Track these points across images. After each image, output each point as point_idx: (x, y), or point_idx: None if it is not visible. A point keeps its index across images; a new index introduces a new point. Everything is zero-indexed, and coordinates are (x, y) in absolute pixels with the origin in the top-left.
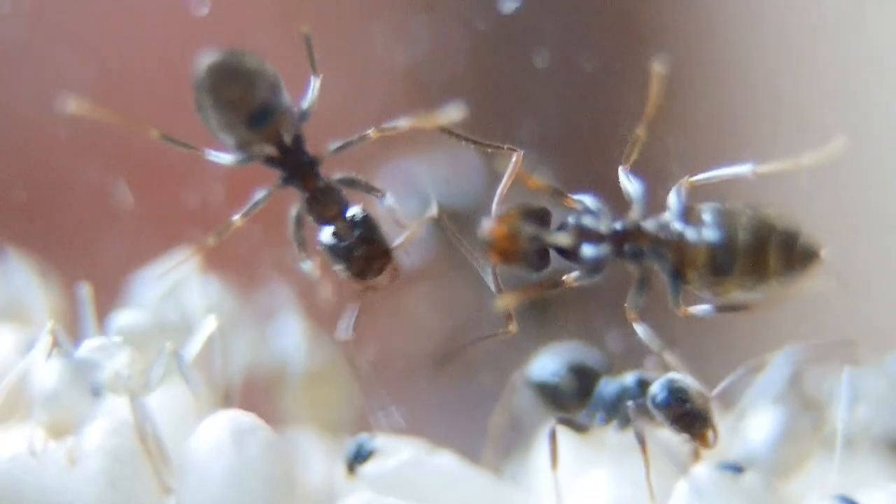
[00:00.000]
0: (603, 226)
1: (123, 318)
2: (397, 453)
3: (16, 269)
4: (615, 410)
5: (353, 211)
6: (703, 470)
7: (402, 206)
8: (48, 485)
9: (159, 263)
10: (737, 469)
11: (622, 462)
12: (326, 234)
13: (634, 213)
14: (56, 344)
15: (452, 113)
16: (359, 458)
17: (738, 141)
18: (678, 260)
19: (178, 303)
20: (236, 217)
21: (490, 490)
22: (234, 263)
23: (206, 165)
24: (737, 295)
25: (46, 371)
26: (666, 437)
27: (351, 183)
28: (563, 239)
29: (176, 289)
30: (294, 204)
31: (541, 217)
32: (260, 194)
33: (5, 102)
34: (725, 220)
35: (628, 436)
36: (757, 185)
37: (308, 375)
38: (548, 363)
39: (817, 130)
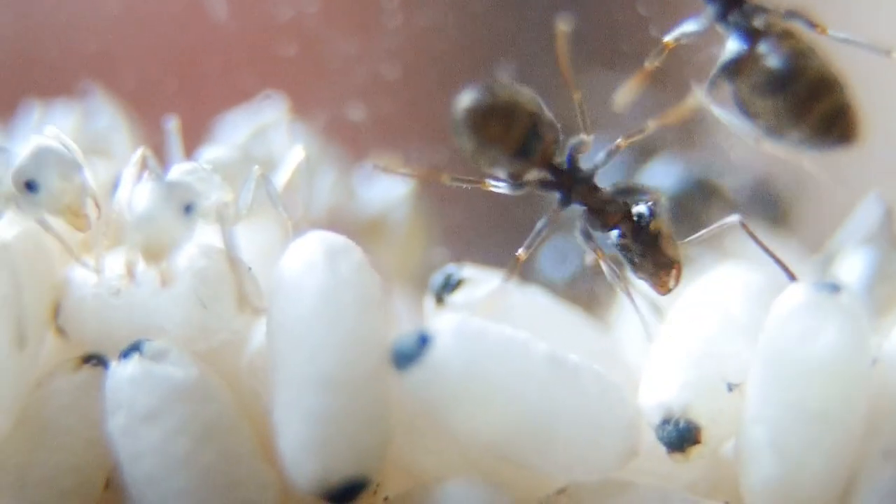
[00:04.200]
0: None
1: (212, 152)
2: (486, 283)
3: (101, 107)
4: None
5: (639, 210)
6: (799, 288)
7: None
8: (138, 308)
9: (247, 106)
10: (834, 288)
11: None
12: (613, 237)
13: None
14: (147, 169)
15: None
16: (447, 287)
17: None
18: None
19: (265, 144)
20: (520, 251)
21: (576, 321)
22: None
23: None
24: (765, 124)
25: (139, 193)
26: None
27: (626, 190)
28: None
29: (263, 131)
30: (576, 222)
31: None
32: (541, 223)
33: None
34: (797, 56)
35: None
36: None
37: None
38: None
39: None
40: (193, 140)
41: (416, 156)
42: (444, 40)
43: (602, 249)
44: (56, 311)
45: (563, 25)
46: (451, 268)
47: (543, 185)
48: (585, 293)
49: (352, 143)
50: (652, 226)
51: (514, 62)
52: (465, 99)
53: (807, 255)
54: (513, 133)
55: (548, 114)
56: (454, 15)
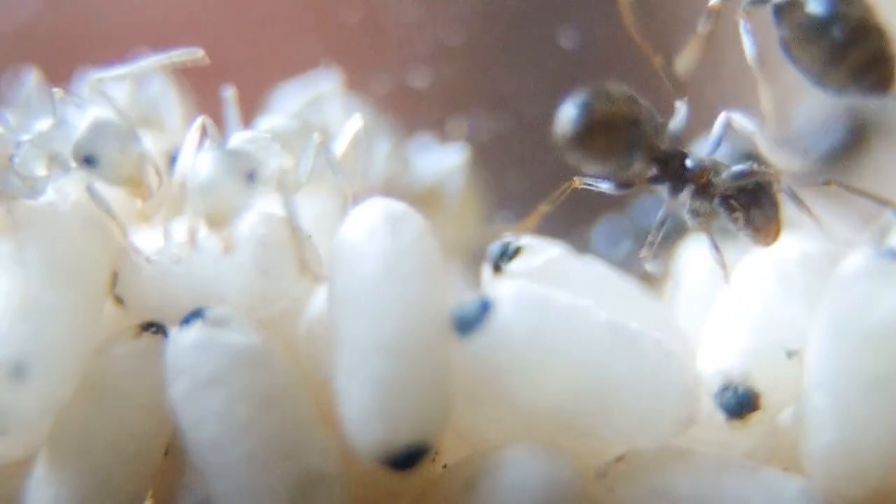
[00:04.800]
0: None
1: (270, 121)
2: (544, 251)
3: (153, 77)
4: None
5: (747, 175)
6: (860, 255)
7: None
8: (197, 276)
9: (301, 78)
10: (894, 254)
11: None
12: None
13: None
14: (207, 137)
15: None
16: (505, 256)
17: None
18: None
19: (319, 114)
20: (643, 252)
21: (633, 290)
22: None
23: None
24: (806, 68)
25: (201, 161)
26: None
27: (721, 163)
28: None
29: (318, 101)
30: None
31: None
32: (660, 217)
33: None
34: (839, 2)
35: None
36: None
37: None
38: None
39: None
40: (248, 110)
41: (476, 124)
42: (505, 7)
43: (706, 223)
44: (114, 279)
45: None
46: (508, 237)
47: (653, 179)
48: (639, 269)
49: (406, 112)
50: (761, 188)
51: (576, 28)
52: (564, 118)
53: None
54: (615, 144)
55: (647, 110)
56: None
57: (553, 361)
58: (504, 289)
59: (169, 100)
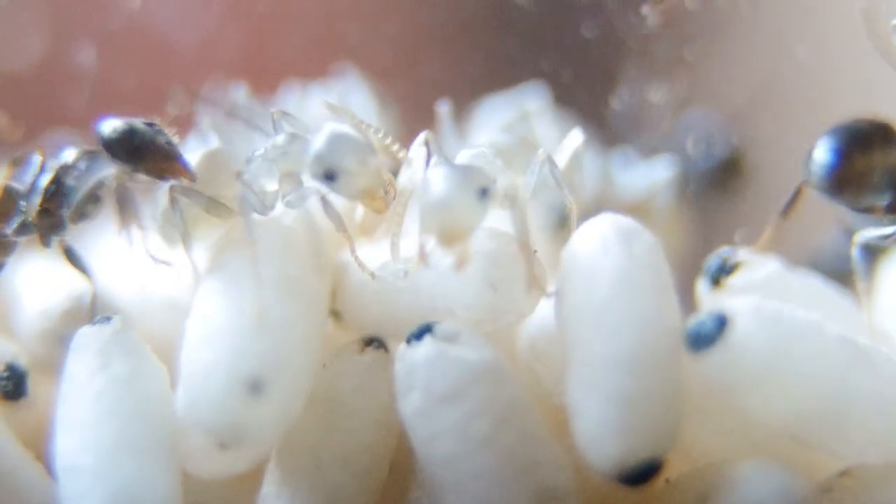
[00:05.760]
0: None
1: (488, 135)
2: (763, 265)
3: (356, 86)
4: None
5: None
6: None
7: None
8: (421, 290)
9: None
10: None
11: None
12: None
13: None
14: (433, 153)
15: None
16: (724, 270)
17: None
18: None
19: (527, 129)
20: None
21: (848, 304)
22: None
23: None
24: None
25: (435, 178)
26: None
27: None
28: None
29: (526, 117)
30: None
31: None
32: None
33: None
34: None
35: None
36: None
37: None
38: None
39: None
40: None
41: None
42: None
43: None
44: (333, 294)
45: None
46: (725, 251)
47: (891, 207)
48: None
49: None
50: None
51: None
52: (818, 162)
53: None
54: (869, 185)
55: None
56: None
57: (788, 377)
58: (740, 305)
59: (370, 111)
